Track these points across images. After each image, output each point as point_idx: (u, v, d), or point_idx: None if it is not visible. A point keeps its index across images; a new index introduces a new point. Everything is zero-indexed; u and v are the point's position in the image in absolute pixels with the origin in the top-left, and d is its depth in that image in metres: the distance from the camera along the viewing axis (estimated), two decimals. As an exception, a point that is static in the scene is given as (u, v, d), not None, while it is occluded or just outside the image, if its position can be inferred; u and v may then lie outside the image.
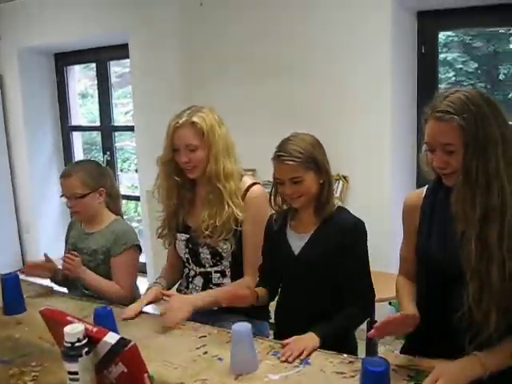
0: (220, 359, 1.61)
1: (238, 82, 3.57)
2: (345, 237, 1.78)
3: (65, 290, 2.43)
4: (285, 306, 1.96)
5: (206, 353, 1.66)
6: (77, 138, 5.13)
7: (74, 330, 1.27)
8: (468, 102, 1.40)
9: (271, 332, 2.09)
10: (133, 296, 2.33)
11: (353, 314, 1.80)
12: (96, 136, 5.55)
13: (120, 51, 4.32)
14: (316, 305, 1.81)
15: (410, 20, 3.18)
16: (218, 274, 2.12)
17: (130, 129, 4.42)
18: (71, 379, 1.28)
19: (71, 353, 1.27)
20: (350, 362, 1.56)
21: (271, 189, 1.90)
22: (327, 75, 3.26)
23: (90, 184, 2.30)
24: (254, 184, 2.10)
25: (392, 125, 3.17)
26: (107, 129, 4.73)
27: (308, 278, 1.84)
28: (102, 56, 4.57)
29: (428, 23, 3.19)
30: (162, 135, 3.84)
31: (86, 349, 1.27)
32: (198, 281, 2.16)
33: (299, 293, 1.86)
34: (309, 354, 1.60)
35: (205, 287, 2.14)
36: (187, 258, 2.16)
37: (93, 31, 4.18)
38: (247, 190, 2.07)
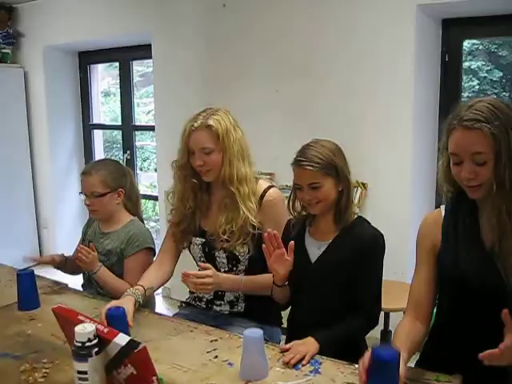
0: (230, 364, 1.60)
1: (260, 83, 3.57)
2: (363, 249, 1.77)
3: (79, 287, 2.45)
4: (298, 311, 1.95)
5: (216, 357, 1.65)
6: (98, 136, 5.17)
7: (84, 330, 1.27)
8: (495, 110, 1.38)
9: (283, 337, 2.08)
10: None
11: (354, 325, 1.78)
12: (117, 134, 5.59)
13: (143, 51, 4.35)
14: (329, 312, 1.80)
15: (434, 28, 3.15)
16: None
17: (151, 128, 4.45)
18: (80, 379, 1.28)
19: (81, 352, 1.27)
20: (362, 372, 1.54)
21: (290, 194, 1.90)
22: (350, 82, 3.25)
23: (109, 184, 2.31)
24: (270, 187, 2.09)
25: (414, 134, 3.14)
26: (128, 128, 4.76)
27: (322, 285, 1.83)
28: (125, 55, 4.61)
29: (452, 31, 3.16)
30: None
31: (96, 349, 1.27)
32: None
33: (313, 300, 1.85)
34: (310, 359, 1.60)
35: (217, 291, 2.12)
36: (203, 262, 2.16)
37: (117, 31, 4.21)
38: (264, 193, 2.07)
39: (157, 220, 5.32)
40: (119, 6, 4.13)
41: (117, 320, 1.70)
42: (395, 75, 3.08)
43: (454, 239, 1.54)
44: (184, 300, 2.29)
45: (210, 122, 1.99)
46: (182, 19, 3.83)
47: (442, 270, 1.57)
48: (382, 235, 1.81)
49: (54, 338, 1.80)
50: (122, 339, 1.25)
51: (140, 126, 4.95)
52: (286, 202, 1.95)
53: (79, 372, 1.27)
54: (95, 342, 1.28)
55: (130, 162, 4.77)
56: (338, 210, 1.82)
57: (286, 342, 1.87)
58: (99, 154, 5.20)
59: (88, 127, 5.05)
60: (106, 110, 6.22)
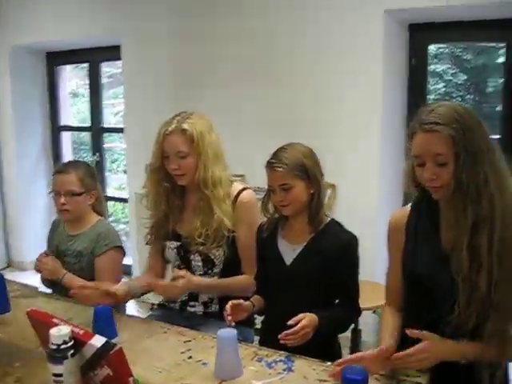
0: (204, 364, 1.62)
1: (228, 83, 3.57)
2: (339, 252, 1.83)
3: (50, 290, 2.42)
4: (272, 313, 1.97)
5: (190, 357, 1.67)
6: (66, 138, 5.10)
7: (59, 332, 1.28)
8: (455, 113, 1.44)
9: (256, 338, 2.11)
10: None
11: (346, 314, 1.89)
12: (84, 136, 5.53)
13: (113, 52, 4.31)
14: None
15: (401, 33, 3.22)
16: None
17: (120, 130, 4.42)
18: (56, 381, 1.28)
19: (56, 355, 1.27)
20: (335, 368, 1.57)
21: (264, 196, 1.93)
22: (320, 86, 3.28)
23: (86, 184, 2.31)
24: (244, 189, 2.12)
25: (382, 136, 3.20)
26: (97, 130, 4.72)
27: (298, 288, 1.86)
28: (94, 57, 4.56)
29: (419, 36, 3.24)
30: (152, 137, 3.85)
31: (72, 351, 1.28)
32: None
33: (287, 302, 1.87)
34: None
35: (193, 294, 2.14)
36: (178, 265, 2.17)
37: (86, 31, 4.17)
38: (238, 195, 2.09)
39: (126, 222, 5.28)
40: (89, 7, 4.09)
41: (103, 317, 1.70)
42: (364, 79, 3.14)
43: (413, 240, 1.61)
44: (157, 302, 2.30)
45: (185, 125, 2.00)
46: (151, 20, 3.81)
47: (403, 270, 1.65)
48: (356, 237, 1.87)
49: (25, 342, 1.79)
50: (97, 341, 1.26)
51: (109, 127, 4.89)
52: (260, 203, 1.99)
53: (54, 375, 1.28)
54: (70, 344, 1.28)
55: (99, 164, 4.73)
56: (310, 213, 1.86)
57: (260, 344, 1.90)
58: (67, 156, 5.13)
59: (56, 129, 4.98)
60: (74, 111, 6.14)
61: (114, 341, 1.32)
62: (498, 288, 1.42)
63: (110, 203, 5.10)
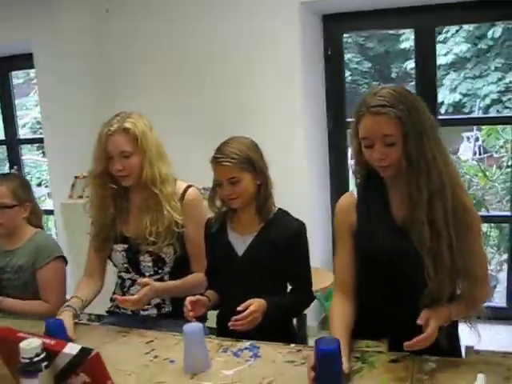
0: (171, 361, 1.63)
1: (152, 86, 3.55)
2: (289, 239, 1.88)
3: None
4: (227, 305, 1.99)
5: (156, 357, 1.68)
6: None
7: (30, 345, 1.25)
8: (398, 95, 1.51)
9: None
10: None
11: (299, 299, 1.95)
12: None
13: (22, 61, 4.18)
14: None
15: (316, 23, 3.34)
16: (158, 282, 2.12)
17: (39, 141, 4.27)
18: (31, 396, 1.25)
19: (30, 368, 1.24)
20: (298, 350, 1.65)
21: (210, 191, 1.96)
22: (241, 81, 3.34)
23: (19, 196, 2.25)
24: (189, 187, 2.13)
25: (303, 124, 3.30)
26: (13, 142, 4.53)
27: (250, 278, 1.90)
28: (2, 66, 4.36)
29: (333, 26, 3.37)
30: (74, 146, 3.77)
31: (46, 363, 1.26)
32: (135, 289, 2.15)
33: (241, 292, 1.87)
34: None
35: None
36: (126, 268, 2.15)
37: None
38: (184, 193, 2.10)
39: (54, 234, 5.12)
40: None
41: (56, 331, 1.66)
42: (283, 71, 3.23)
43: (367, 217, 1.66)
44: (106, 309, 2.27)
45: (127, 124, 1.99)
46: (65, 27, 3.71)
47: (360, 248, 1.69)
48: (304, 224, 1.93)
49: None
50: (72, 349, 1.25)
51: (26, 138, 4.71)
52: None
53: (29, 389, 1.25)
54: (43, 355, 1.26)
55: (18, 177, 4.53)
56: (258, 204, 1.91)
57: (218, 335, 1.93)
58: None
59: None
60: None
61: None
62: (459, 254, 1.52)
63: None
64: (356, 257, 1.71)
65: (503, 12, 3.10)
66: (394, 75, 9.37)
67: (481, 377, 1.35)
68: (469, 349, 1.61)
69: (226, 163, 1.83)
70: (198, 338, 1.56)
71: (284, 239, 1.89)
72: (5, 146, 4.68)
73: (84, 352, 1.24)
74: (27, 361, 1.24)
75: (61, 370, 1.28)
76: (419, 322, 1.46)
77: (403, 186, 1.56)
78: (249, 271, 1.91)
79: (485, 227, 4.26)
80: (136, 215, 2.11)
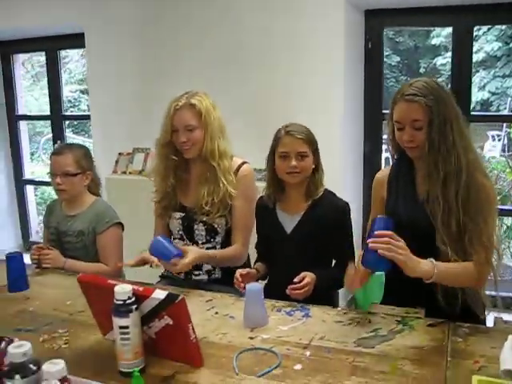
0: (232, 317, 1.83)
1: (195, 74, 3.68)
2: (335, 217, 2.08)
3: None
4: (275, 277, 2.19)
5: (217, 313, 1.87)
6: (23, 128, 5.08)
7: (124, 290, 1.45)
8: (429, 87, 1.77)
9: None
10: (120, 272, 2.50)
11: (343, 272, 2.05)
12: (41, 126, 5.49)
13: (71, 40, 4.38)
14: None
15: (358, 18, 3.49)
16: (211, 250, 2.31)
17: (86, 117, 4.47)
18: (122, 333, 1.44)
19: (122, 309, 1.44)
20: (345, 313, 1.84)
21: (268, 164, 2.13)
22: (282, 65, 3.47)
23: (82, 165, 2.45)
24: (244, 163, 2.32)
25: (342, 112, 3.44)
26: (58, 118, 4.74)
27: (298, 253, 2.08)
28: (51, 45, 4.56)
29: (374, 21, 3.51)
30: (119, 124, 3.96)
31: (135, 305, 1.46)
32: None
33: (289, 266, 2.08)
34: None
35: (196, 264, 2.32)
36: (181, 235, 2.35)
37: (45, 20, 4.19)
38: (238, 168, 2.29)
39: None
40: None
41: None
42: (329, 62, 3.36)
43: (395, 192, 1.95)
44: (160, 274, 2.47)
45: (193, 101, 2.19)
46: (115, 9, 3.90)
47: (386, 213, 1.93)
48: (348, 204, 2.13)
49: (57, 311, 1.95)
50: (159, 294, 1.45)
51: (70, 115, 4.92)
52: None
53: (121, 327, 1.44)
54: (133, 299, 1.46)
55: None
56: (309, 185, 2.10)
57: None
58: (25, 146, 5.13)
59: (14, 119, 4.95)
60: (30, 100, 6.06)
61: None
62: (466, 227, 1.75)
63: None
64: None
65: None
66: (422, 70, 9.44)
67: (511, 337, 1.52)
68: (497, 319, 1.79)
69: (300, 136, 2.02)
70: (258, 296, 1.75)
71: (330, 217, 2.07)
72: (49, 121, 4.89)
73: (170, 297, 1.43)
74: (120, 302, 1.44)
75: (147, 312, 1.48)
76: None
77: (427, 165, 1.80)
78: (297, 247, 2.09)
79: (510, 220, 4.44)
80: (194, 186, 2.31)
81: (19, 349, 1.19)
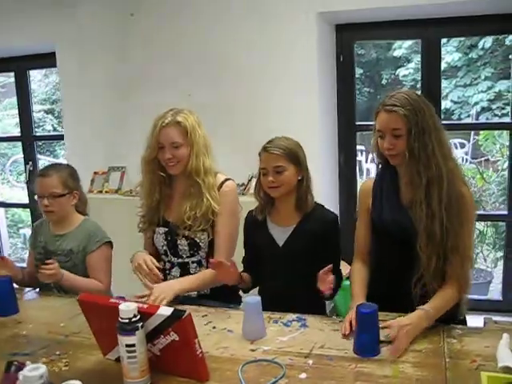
0: (230, 331, 1.84)
1: (172, 88, 3.70)
2: (326, 229, 2.12)
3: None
4: (266, 290, 2.21)
5: (214, 327, 1.89)
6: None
7: (129, 308, 1.45)
8: (409, 98, 1.86)
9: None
10: (109, 290, 2.49)
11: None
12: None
13: (41, 60, 4.35)
14: (292, 290, 2.09)
15: (330, 32, 3.58)
16: (195, 264, 2.33)
17: (58, 138, 4.42)
18: (129, 351, 1.44)
19: (128, 327, 1.44)
20: (340, 321, 1.87)
21: (256, 181, 2.18)
22: (258, 84, 3.53)
23: (69, 185, 2.43)
24: (227, 180, 2.35)
25: (317, 126, 3.52)
26: (29, 139, 4.68)
27: (290, 266, 2.12)
28: (21, 65, 4.51)
29: (345, 35, 3.61)
30: (93, 143, 3.93)
31: (141, 323, 1.46)
32: (176, 271, 2.35)
33: (280, 279, 2.13)
34: None
35: (182, 276, 2.32)
36: (165, 250, 2.36)
37: (17, 40, 4.15)
38: (221, 184, 2.32)
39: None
40: (19, 13, 4.06)
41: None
42: (300, 75, 3.43)
43: (379, 198, 2.02)
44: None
45: (179, 118, 2.22)
46: (88, 28, 3.90)
47: (371, 221, 2.04)
48: (337, 216, 2.19)
49: (52, 334, 1.92)
50: (165, 310, 1.46)
51: (42, 135, 4.85)
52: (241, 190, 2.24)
53: (128, 345, 1.44)
54: (139, 317, 1.46)
55: (34, 173, 4.69)
56: (298, 197, 2.14)
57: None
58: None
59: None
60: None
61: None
62: (450, 234, 1.83)
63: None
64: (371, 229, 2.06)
65: (504, 25, 3.38)
66: (384, 82, 9.63)
67: (506, 336, 1.59)
68: (488, 319, 1.86)
69: (275, 151, 2.07)
70: (257, 308, 1.78)
71: (321, 230, 2.12)
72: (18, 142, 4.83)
73: (177, 314, 1.44)
74: (126, 321, 1.45)
75: (151, 330, 1.49)
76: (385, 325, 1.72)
77: (409, 172, 1.89)
78: (288, 260, 2.12)
79: (481, 225, 4.58)
80: (178, 201, 2.33)
81: (35, 372, 1.18)
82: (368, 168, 8.08)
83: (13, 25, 4.10)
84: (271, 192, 2.13)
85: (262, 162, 2.13)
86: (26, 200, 4.99)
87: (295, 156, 2.10)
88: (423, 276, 1.82)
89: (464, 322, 1.97)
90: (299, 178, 2.13)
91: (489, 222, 4.72)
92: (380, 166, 2.07)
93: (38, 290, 2.51)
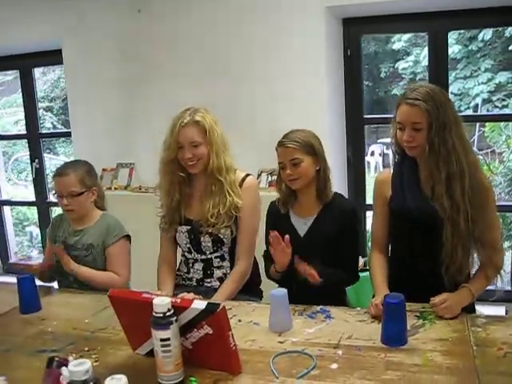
0: (256, 324, 1.87)
1: (181, 85, 3.72)
2: (345, 220, 2.15)
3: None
4: (287, 282, 2.23)
5: (240, 321, 1.91)
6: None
7: (163, 302, 1.47)
8: (431, 92, 1.89)
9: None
10: (128, 283, 2.51)
11: (348, 274, 2.20)
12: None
13: (47, 57, 4.35)
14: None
15: (337, 26, 3.58)
16: (218, 259, 2.36)
17: (67, 134, 4.42)
18: (163, 345, 1.46)
19: (163, 321, 1.46)
20: (365, 312, 1.90)
21: (277, 176, 2.20)
22: (265, 75, 3.53)
23: (86, 183, 2.44)
24: (248, 175, 2.37)
25: (326, 119, 3.53)
26: (35, 137, 4.68)
27: (311, 256, 2.13)
28: (26, 63, 4.50)
29: (352, 29, 3.61)
30: (101, 141, 3.93)
31: (175, 317, 1.48)
32: (199, 266, 2.39)
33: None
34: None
35: (205, 270, 2.37)
36: (189, 248, 2.38)
37: (23, 36, 4.14)
38: (242, 181, 2.34)
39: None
40: (24, 10, 4.05)
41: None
42: (311, 71, 3.44)
43: (400, 188, 2.05)
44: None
45: (198, 118, 2.23)
46: (94, 25, 3.90)
47: (393, 210, 2.06)
48: (357, 206, 2.21)
49: (78, 330, 1.94)
50: (199, 304, 1.48)
51: (48, 133, 4.85)
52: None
53: (162, 340, 1.46)
54: (172, 311, 1.48)
55: (39, 171, 4.70)
56: (318, 187, 2.17)
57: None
58: (0, 167, 5.04)
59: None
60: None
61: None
62: (476, 225, 1.88)
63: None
64: (390, 219, 2.09)
65: (509, 18, 3.40)
66: (383, 75, 9.64)
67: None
68: (510, 307, 1.89)
69: (290, 145, 2.10)
70: (283, 301, 1.80)
71: (341, 219, 2.15)
72: (25, 141, 4.82)
73: (211, 307, 1.46)
74: (160, 315, 1.46)
75: (185, 324, 1.50)
76: (432, 300, 1.82)
77: (428, 166, 1.93)
78: (310, 250, 2.14)
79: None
80: (199, 200, 2.35)
81: (80, 367, 1.20)
82: (368, 161, 8.12)
83: (17, 22, 4.08)
84: (291, 184, 2.16)
85: (279, 157, 2.16)
86: (31, 198, 4.98)
87: (311, 147, 2.13)
88: (449, 267, 1.87)
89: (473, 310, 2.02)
90: (317, 168, 2.15)
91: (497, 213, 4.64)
92: (398, 157, 2.09)
93: (56, 284, 2.53)
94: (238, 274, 2.31)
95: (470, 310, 1.92)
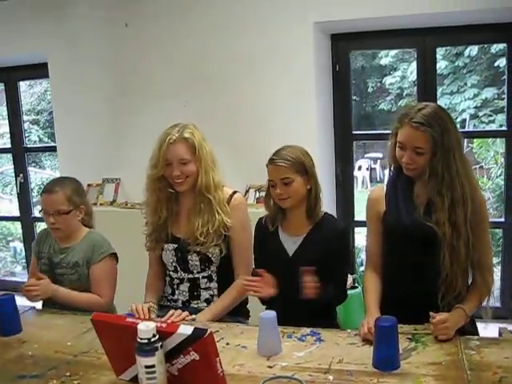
0: (244, 347, 1.81)
1: (168, 98, 3.68)
2: (335, 242, 2.10)
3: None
4: (274, 301, 2.18)
5: (228, 344, 1.85)
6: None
7: (148, 327, 1.41)
8: (437, 116, 1.83)
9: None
10: (112, 303, 2.44)
11: (333, 294, 2.12)
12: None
13: (32, 71, 4.30)
14: (301, 300, 2.04)
15: (325, 42, 3.57)
16: (206, 280, 2.31)
17: (52, 149, 4.35)
18: (148, 372, 1.41)
19: (148, 348, 1.41)
20: (356, 334, 1.85)
21: (265, 193, 2.16)
22: (252, 90, 3.51)
23: (74, 201, 2.37)
24: (235, 192, 2.33)
25: (315, 135, 3.51)
26: (20, 151, 4.60)
27: (298, 276, 2.08)
28: (11, 76, 4.45)
29: (341, 45, 3.61)
30: (87, 155, 3.87)
31: (160, 343, 1.42)
32: (185, 287, 2.33)
33: (290, 289, 2.07)
34: None
35: (192, 291, 2.31)
36: (175, 266, 2.32)
37: (8, 50, 4.09)
38: (230, 197, 2.30)
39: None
40: (11, 23, 4.00)
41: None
42: (298, 85, 3.43)
43: (395, 203, 2.00)
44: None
45: (186, 134, 2.19)
46: (81, 38, 3.85)
47: (388, 228, 2.01)
48: (348, 226, 2.16)
49: (60, 354, 1.87)
50: (185, 329, 1.42)
51: (33, 147, 4.78)
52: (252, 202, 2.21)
53: (147, 366, 1.41)
54: (157, 337, 1.42)
55: (23, 185, 4.62)
56: (308, 207, 2.12)
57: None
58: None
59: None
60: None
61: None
62: (475, 249, 1.85)
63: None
64: (384, 237, 2.04)
65: (496, 35, 3.42)
66: (370, 90, 9.70)
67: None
68: (503, 329, 1.86)
69: (281, 163, 2.05)
70: (273, 324, 1.75)
71: (331, 240, 2.10)
72: (10, 155, 4.75)
73: (198, 332, 1.40)
74: (145, 341, 1.41)
75: (170, 349, 1.45)
76: (431, 320, 1.76)
77: (426, 187, 1.89)
78: (297, 270, 2.09)
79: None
80: (186, 217, 2.30)
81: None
82: (356, 176, 8.12)
83: (3, 35, 4.03)
84: (281, 203, 2.12)
85: (269, 174, 2.11)
86: (16, 212, 4.90)
87: (302, 165, 2.08)
88: (445, 295, 1.85)
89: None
90: (308, 187, 2.11)
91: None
92: (393, 171, 2.05)
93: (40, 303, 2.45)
94: (240, 285, 2.23)
95: (471, 329, 1.92)
